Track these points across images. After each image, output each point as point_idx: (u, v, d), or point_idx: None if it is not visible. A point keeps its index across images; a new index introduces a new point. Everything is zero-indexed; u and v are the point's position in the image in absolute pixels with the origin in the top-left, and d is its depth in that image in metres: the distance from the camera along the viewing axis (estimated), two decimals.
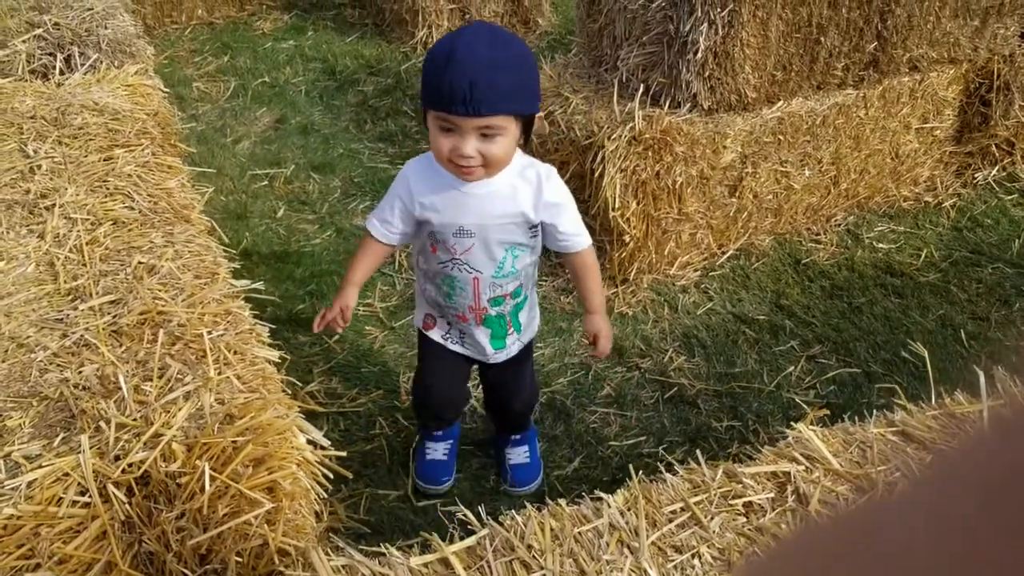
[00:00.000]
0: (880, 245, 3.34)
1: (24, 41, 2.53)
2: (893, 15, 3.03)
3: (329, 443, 1.52)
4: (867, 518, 0.32)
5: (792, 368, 2.79)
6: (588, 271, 2.02)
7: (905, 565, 0.28)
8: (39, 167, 2.05)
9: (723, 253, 3.25)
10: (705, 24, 2.76)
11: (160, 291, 1.70)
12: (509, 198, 1.85)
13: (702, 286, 3.14)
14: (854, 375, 2.76)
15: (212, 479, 1.35)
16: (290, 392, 1.69)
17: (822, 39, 2.98)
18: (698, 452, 1.54)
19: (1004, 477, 0.25)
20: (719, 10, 2.74)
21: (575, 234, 1.94)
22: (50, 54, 2.53)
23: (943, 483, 0.29)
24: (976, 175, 3.65)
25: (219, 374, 1.50)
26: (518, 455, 2.44)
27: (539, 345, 2.86)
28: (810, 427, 1.53)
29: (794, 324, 2.97)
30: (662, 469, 1.48)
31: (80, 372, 1.51)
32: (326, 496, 2.24)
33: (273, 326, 1.85)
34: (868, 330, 2.94)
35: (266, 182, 3.78)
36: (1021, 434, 0.27)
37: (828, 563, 0.33)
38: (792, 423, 1.64)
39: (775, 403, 2.67)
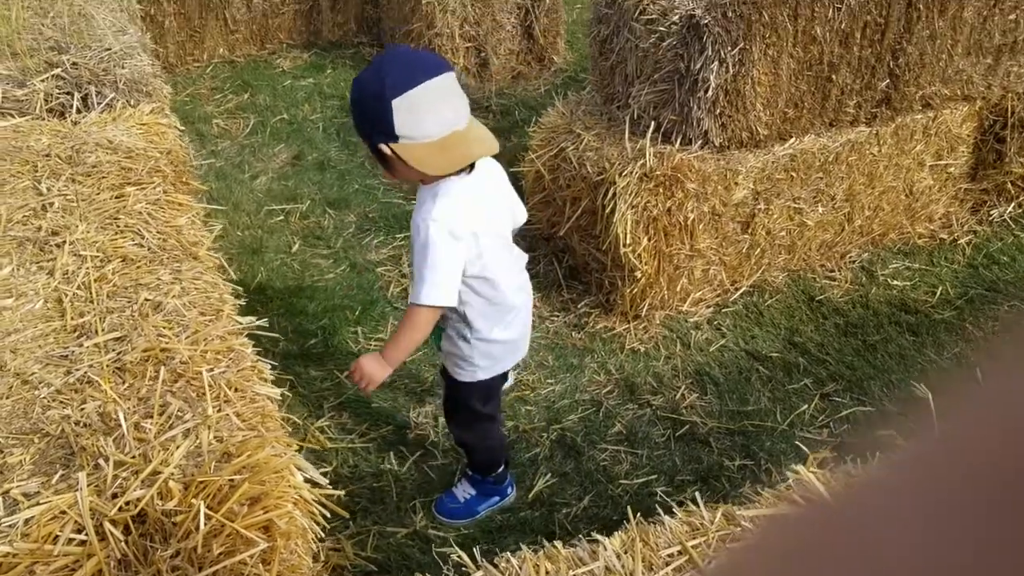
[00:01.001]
0: (895, 282, 3.31)
1: (43, 80, 2.58)
2: (905, 53, 3.03)
3: (327, 481, 1.51)
4: (841, 509, 0.31)
5: (806, 406, 2.76)
6: (403, 320, 2.00)
7: (882, 555, 0.27)
8: (51, 204, 2.08)
9: (736, 289, 3.23)
10: (716, 62, 2.77)
11: (165, 328, 1.71)
12: (417, 204, 1.98)
13: (715, 323, 3.12)
14: (868, 414, 2.73)
15: (207, 518, 1.35)
16: (290, 429, 1.69)
17: (834, 77, 2.98)
18: (696, 494, 1.52)
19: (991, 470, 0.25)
20: (730, 48, 2.75)
21: (412, 280, 1.91)
22: (68, 93, 2.57)
23: (920, 473, 0.28)
24: (992, 212, 3.62)
25: (218, 411, 1.50)
26: (461, 487, 2.46)
27: (549, 381, 2.85)
28: (811, 470, 1.51)
29: (808, 362, 2.94)
30: (660, 512, 1.46)
31: (82, 409, 1.51)
32: (332, 534, 2.23)
33: (276, 363, 1.85)
34: (883, 368, 2.91)
35: (282, 217, 3.82)
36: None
37: (800, 555, 0.32)
38: (804, 462, 1.62)
39: (788, 442, 2.64)
